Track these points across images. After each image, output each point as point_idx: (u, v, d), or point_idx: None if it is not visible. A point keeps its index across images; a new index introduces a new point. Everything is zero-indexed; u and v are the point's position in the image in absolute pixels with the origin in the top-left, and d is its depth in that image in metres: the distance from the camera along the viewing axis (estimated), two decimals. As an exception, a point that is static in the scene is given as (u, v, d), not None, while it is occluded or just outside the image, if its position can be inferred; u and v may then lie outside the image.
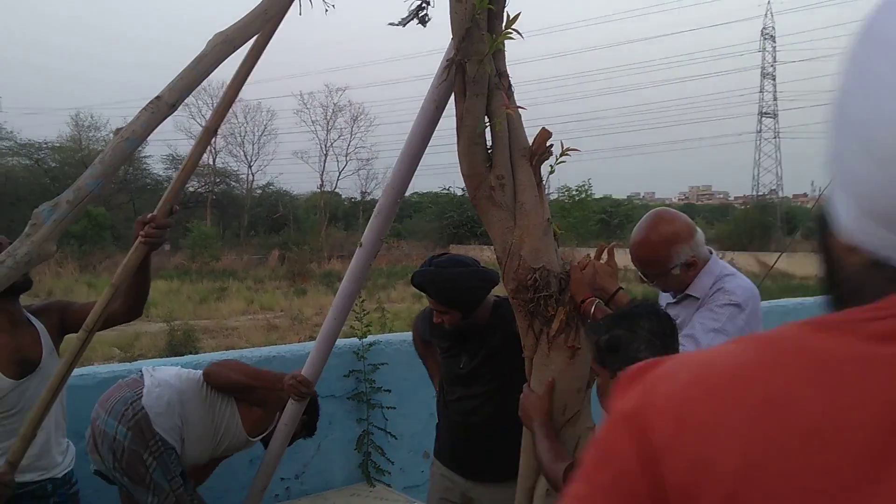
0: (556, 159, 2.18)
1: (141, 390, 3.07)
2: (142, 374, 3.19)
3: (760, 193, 52.21)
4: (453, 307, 2.96)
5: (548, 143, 2.19)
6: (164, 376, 3.23)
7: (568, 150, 2.16)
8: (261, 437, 3.34)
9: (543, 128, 2.17)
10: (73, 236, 26.13)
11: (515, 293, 2.23)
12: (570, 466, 1.86)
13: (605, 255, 2.38)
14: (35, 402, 2.44)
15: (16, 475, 2.40)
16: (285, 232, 37.18)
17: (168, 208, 2.34)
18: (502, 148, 2.19)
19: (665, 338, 1.80)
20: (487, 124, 2.20)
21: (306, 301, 21.06)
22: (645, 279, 2.61)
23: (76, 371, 3.65)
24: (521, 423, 2.37)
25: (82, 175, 1.70)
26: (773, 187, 53.08)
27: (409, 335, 4.66)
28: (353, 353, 4.31)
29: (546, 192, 2.28)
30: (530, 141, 2.21)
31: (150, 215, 2.37)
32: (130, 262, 2.28)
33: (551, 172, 2.21)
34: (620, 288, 2.30)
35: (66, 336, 2.73)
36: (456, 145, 2.21)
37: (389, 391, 4.37)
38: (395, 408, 4.39)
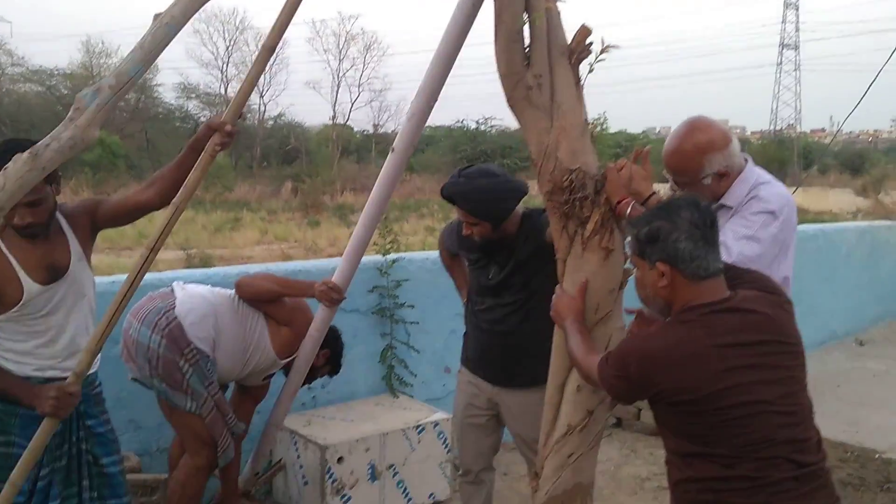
0: (596, 57, 2.15)
1: (173, 302, 3.12)
2: (173, 289, 3.23)
3: (778, 128, 51.41)
4: (483, 218, 2.96)
5: (587, 41, 2.15)
6: (197, 290, 3.28)
7: (608, 47, 2.12)
8: (287, 360, 3.37)
9: (584, 24, 2.13)
10: (88, 164, 26.18)
11: (550, 195, 2.22)
12: (604, 358, 1.89)
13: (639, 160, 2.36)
14: (61, 306, 2.47)
15: (40, 373, 2.45)
16: (297, 164, 37.05)
17: (237, 115, 2.29)
18: (541, 46, 2.15)
19: (705, 228, 1.80)
20: (526, 21, 2.15)
21: (320, 233, 21.17)
22: (676, 188, 2.60)
23: (108, 279, 3.72)
24: (549, 332, 2.40)
25: (123, 60, 1.69)
26: (792, 122, 52.25)
27: (431, 253, 4.70)
28: (376, 270, 4.35)
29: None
30: (569, 39, 2.17)
31: (219, 121, 2.29)
32: (197, 174, 2.23)
33: (590, 71, 2.18)
34: (654, 192, 2.29)
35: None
36: (490, 59, 2.17)
37: (412, 307, 4.42)
38: (417, 323, 4.46)
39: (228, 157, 36.92)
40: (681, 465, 1.80)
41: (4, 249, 2.39)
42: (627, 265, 2.22)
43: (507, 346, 3.09)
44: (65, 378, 2.46)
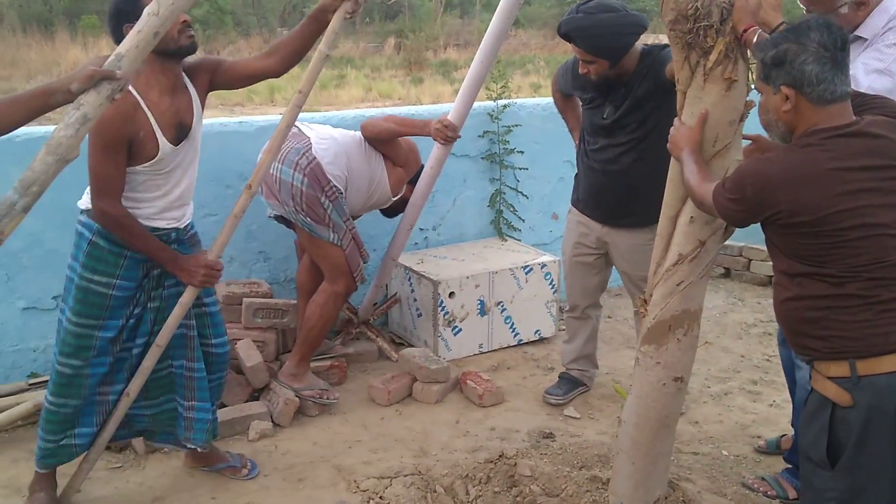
0: None
1: (308, 142, 3.29)
2: (301, 129, 3.39)
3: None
4: (601, 56, 2.93)
5: None
6: (327, 131, 3.46)
7: None
8: (397, 198, 3.59)
9: None
10: (197, 21, 26.57)
11: (674, 24, 2.17)
12: (721, 183, 1.92)
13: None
14: (181, 164, 2.54)
15: (147, 221, 2.51)
16: (400, 19, 36.34)
17: None
18: None
19: (835, 50, 1.75)
20: None
21: (423, 90, 21.00)
22: (809, 17, 2.48)
23: (235, 119, 3.94)
24: (661, 172, 2.41)
25: None
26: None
27: (542, 99, 4.68)
28: (487, 115, 4.39)
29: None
30: None
31: None
32: (334, 25, 2.36)
33: None
34: (783, 22, 2.21)
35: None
36: None
37: (522, 153, 4.48)
38: (526, 168, 4.52)
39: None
40: (789, 285, 1.85)
41: (144, 107, 2.41)
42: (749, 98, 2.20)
43: (620, 186, 3.14)
44: (165, 228, 2.56)
